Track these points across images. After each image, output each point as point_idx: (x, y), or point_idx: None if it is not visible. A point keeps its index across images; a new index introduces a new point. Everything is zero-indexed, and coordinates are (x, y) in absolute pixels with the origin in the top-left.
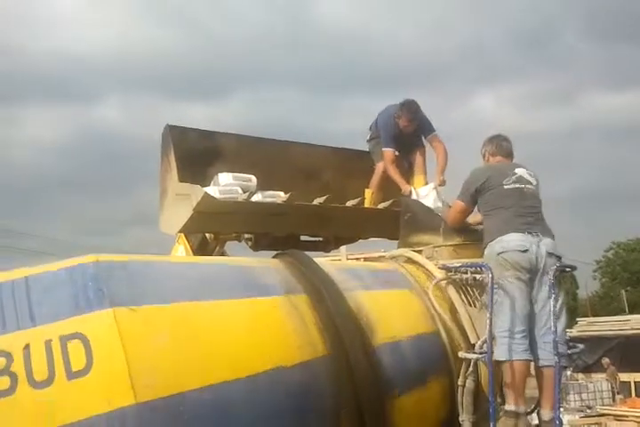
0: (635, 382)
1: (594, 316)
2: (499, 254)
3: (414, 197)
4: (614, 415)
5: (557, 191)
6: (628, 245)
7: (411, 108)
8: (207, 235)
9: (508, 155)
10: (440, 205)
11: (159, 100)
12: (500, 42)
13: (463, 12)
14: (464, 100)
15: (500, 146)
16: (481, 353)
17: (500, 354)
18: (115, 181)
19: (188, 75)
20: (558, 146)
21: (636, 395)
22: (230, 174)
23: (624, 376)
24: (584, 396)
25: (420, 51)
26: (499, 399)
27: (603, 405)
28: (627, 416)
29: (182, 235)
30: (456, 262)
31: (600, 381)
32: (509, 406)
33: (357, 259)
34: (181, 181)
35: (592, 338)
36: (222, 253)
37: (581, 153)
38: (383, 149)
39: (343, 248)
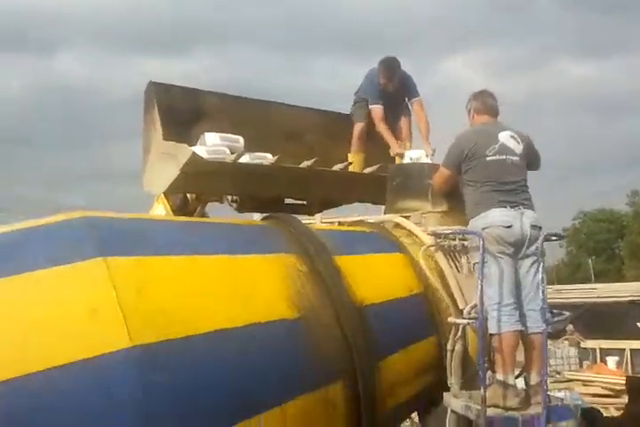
0: (600, 349)
1: (559, 284)
2: (483, 229)
3: (406, 159)
4: (582, 381)
5: None
6: (594, 215)
7: (388, 64)
8: (188, 195)
9: (495, 113)
10: None
11: (118, 53)
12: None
13: None
14: (434, 64)
15: (486, 103)
16: (470, 319)
17: (491, 327)
18: (70, 135)
19: (152, 28)
20: (522, 112)
21: (601, 361)
22: (217, 135)
23: (591, 343)
24: (552, 362)
25: (394, 11)
26: (487, 365)
27: (570, 370)
28: (593, 382)
29: (162, 194)
30: (446, 229)
31: (567, 347)
32: (499, 376)
33: (332, 223)
34: (165, 140)
35: (559, 305)
36: (203, 215)
37: (545, 120)
38: (370, 106)
39: (318, 214)
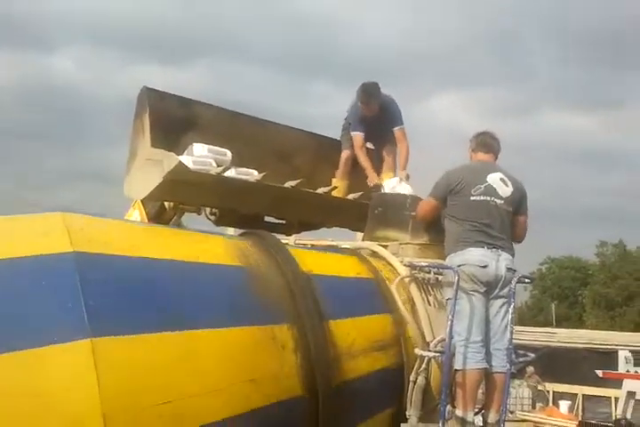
0: (554, 392)
1: (521, 325)
2: (458, 266)
3: (384, 189)
4: (533, 422)
5: None
6: (562, 262)
7: (366, 89)
8: (166, 203)
9: (489, 151)
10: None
11: (118, 58)
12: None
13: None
14: (424, 100)
15: (483, 142)
16: (436, 352)
17: (456, 363)
18: (63, 134)
19: (152, 36)
20: (508, 158)
21: (554, 404)
22: (205, 146)
23: (545, 386)
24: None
25: (390, 45)
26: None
27: (523, 410)
28: (544, 424)
29: (139, 200)
30: (423, 261)
31: (522, 388)
32: (459, 412)
33: (304, 245)
34: (153, 146)
35: (519, 347)
36: (179, 224)
37: (529, 166)
38: (352, 132)
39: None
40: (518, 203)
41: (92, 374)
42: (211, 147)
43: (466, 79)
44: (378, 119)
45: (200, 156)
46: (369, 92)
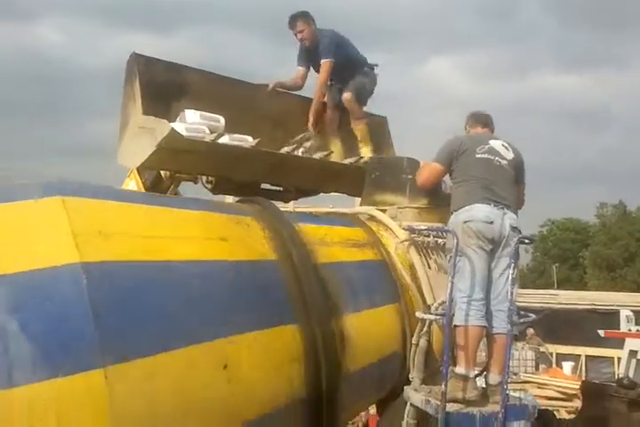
0: (557, 354)
1: (522, 288)
2: (464, 222)
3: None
4: (537, 383)
5: None
6: (562, 224)
7: (290, 15)
8: (162, 173)
9: (487, 124)
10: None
11: (101, 26)
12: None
13: None
14: (420, 64)
15: (479, 116)
16: (437, 315)
17: (457, 319)
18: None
19: (136, 4)
20: (503, 119)
21: (557, 365)
22: (198, 112)
23: (548, 348)
24: (509, 363)
25: (380, 9)
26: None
27: (526, 372)
28: (548, 385)
29: (135, 170)
30: (422, 225)
31: (525, 350)
32: (460, 369)
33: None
34: (145, 114)
35: (521, 309)
36: (176, 193)
37: (526, 127)
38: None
39: (291, 202)
40: (519, 169)
41: None
42: (203, 113)
43: (458, 42)
44: (315, 52)
45: (193, 123)
46: (290, 17)
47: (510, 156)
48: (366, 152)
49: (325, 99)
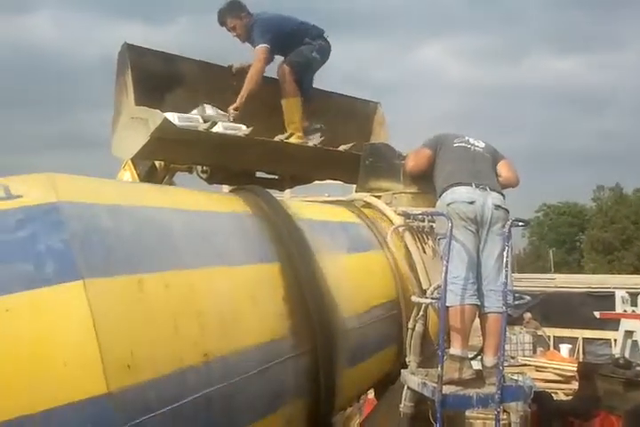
0: (554, 337)
1: (519, 272)
2: (448, 205)
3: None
4: (535, 366)
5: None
6: (558, 208)
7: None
8: (157, 163)
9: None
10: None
11: (95, 17)
12: None
13: None
14: (411, 50)
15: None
16: (433, 298)
17: (449, 300)
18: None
19: None
20: (499, 103)
21: (555, 348)
22: (214, 108)
23: (545, 331)
24: (507, 347)
25: None
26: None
27: (524, 356)
28: (545, 368)
29: (129, 161)
30: (416, 210)
31: (523, 333)
32: (455, 351)
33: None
34: (137, 104)
35: (517, 293)
36: (171, 184)
37: (521, 113)
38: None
39: (287, 191)
40: (494, 153)
41: None
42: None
43: (452, 25)
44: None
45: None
46: (218, 14)
47: (483, 144)
48: (292, 130)
49: None
